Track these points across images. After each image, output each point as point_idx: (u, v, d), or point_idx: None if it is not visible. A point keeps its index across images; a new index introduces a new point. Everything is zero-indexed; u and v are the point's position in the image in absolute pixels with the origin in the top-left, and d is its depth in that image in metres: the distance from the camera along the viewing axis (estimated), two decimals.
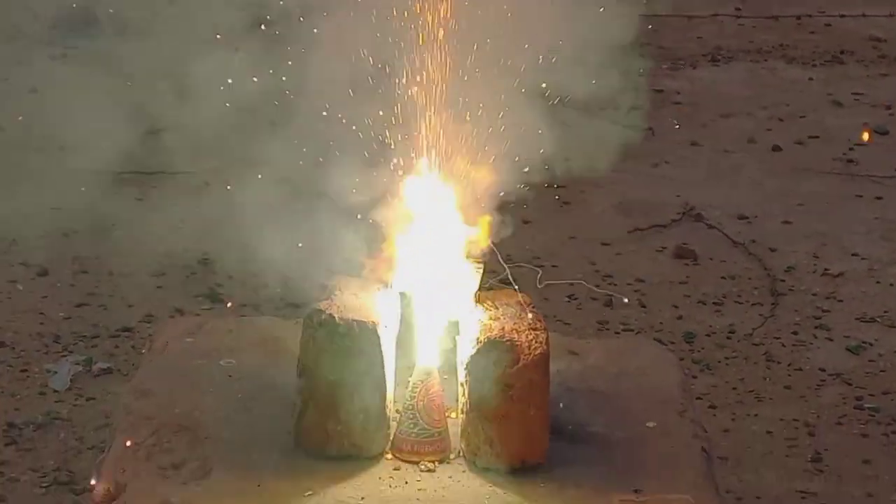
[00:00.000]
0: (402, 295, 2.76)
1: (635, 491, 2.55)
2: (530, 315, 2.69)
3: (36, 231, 5.07)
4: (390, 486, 2.59)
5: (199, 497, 2.45)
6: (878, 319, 5.07)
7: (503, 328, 2.65)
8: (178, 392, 2.78)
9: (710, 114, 7.00)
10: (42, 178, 5.01)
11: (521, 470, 2.62)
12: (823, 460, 4.26)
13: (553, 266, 5.40)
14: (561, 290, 5.20)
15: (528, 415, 2.61)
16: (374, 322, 2.65)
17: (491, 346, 2.61)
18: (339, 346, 2.60)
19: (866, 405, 4.54)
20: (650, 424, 2.76)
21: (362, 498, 2.53)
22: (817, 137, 6.71)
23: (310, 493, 2.53)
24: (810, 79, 7.47)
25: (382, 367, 2.65)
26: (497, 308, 2.72)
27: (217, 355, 2.94)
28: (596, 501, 2.52)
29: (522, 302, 2.74)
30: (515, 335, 2.63)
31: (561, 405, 2.66)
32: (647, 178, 6.25)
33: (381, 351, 2.64)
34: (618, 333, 4.92)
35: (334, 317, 2.62)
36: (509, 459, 2.63)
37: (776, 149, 6.57)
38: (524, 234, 5.66)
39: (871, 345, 4.90)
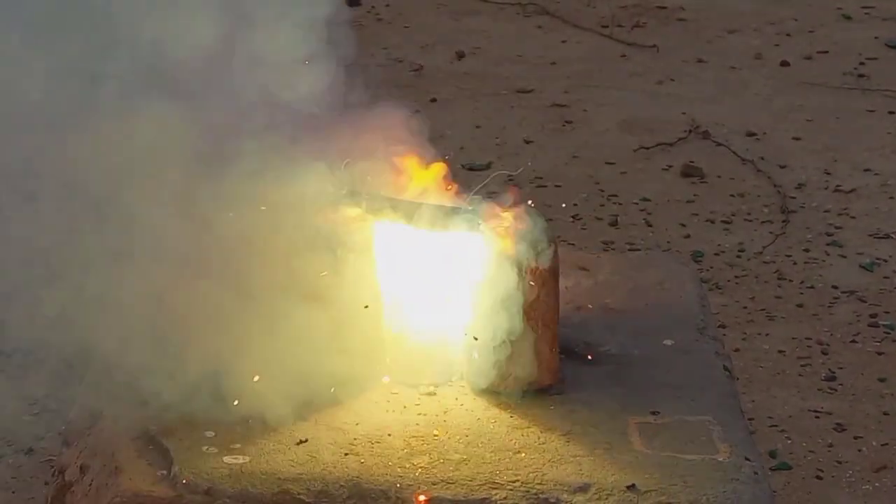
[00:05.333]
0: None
1: (653, 413, 2.42)
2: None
3: None
4: (388, 411, 2.45)
5: (180, 427, 2.31)
6: (892, 235, 4.98)
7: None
8: None
9: (715, 30, 6.86)
10: None
11: (529, 392, 2.48)
12: (837, 379, 4.18)
13: (556, 186, 5.32)
14: (565, 210, 5.11)
15: (536, 333, 2.46)
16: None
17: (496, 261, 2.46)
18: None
19: (881, 322, 4.46)
20: (668, 342, 2.63)
21: (357, 423, 2.39)
22: (826, 52, 6.57)
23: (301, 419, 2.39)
24: None
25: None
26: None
27: None
28: (610, 424, 2.39)
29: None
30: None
31: None
32: (652, 95, 6.15)
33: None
34: (625, 252, 4.81)
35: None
36: (516, 381, 2.49)
37: (784, 64, 6.45)
38: (526, 153, 5.55)
39: (885, 261, 4.81)
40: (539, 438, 2.37)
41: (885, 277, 4.72)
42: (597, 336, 2.63)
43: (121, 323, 2.34)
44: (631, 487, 2.26)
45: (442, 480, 2.27)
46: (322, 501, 2.25)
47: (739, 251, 4.88)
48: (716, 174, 5.42)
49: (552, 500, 2.25)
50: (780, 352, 4.32)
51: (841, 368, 4.23)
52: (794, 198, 5.24)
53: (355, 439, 2.35)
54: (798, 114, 5.96)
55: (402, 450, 2.33)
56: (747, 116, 5.92)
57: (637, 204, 5.20)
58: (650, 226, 5.05)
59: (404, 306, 2.49)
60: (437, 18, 6.93)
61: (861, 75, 6.31)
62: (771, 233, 5.00)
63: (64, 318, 2.44)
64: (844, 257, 4.84)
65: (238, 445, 2.32)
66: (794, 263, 4.80)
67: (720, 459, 2.32)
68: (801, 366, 4.25)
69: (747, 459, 2.32)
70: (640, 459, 2.31)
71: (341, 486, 2.26)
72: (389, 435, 2.37)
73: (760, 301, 4.58)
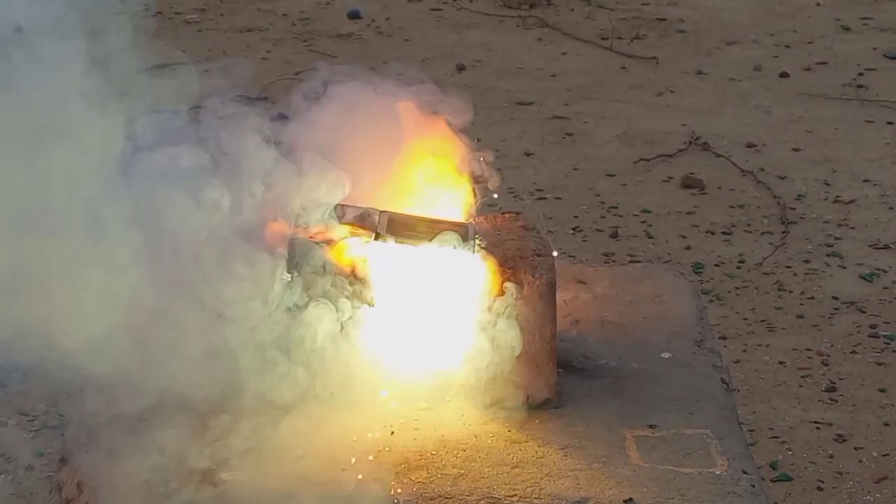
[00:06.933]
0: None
1: (650, 426, 2.41)
2: (535, 239, 2.53)
3: None
4: (385, 427, 2.43)
5: (177, 442, 2.30)
6: (891, 246, 4.97)
7: (505, 254, 2.49)
8: None
9: (715, 41, 6.87)
10: None
11: (527, 406, 2.47)
12: (838, 390, 4.17)
13: (557, 198, 5.31)
14: (565, 222, 5.10)
15: (533, 347, 2.46)
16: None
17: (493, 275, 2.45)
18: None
19: (881, 333, 4.45)
20: (665, 355, 2.62)
21: (355, 439, 2.38)
22: (825, 63, 6.58)
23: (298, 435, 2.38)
24: (818, 4, 7.33)
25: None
26: (498, 233, 2.57)
27: None
28: (608, 438, 2.38)
29: (526, 226, 2.58)
30: (519, 261, 2.47)
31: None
32: (652, 107, 6.14)
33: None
34: (624, 265, 4.80)
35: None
36: (514, 395, 2.48)
37: (784, 75, 6.46)
38: (527, 165, 5.55)
39: (884, 272, 4.81)
40: (537, 453, 2.36)
41: (885, 288, 4.71)
42: (594, 349, 2.62)
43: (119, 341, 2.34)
44: (628, 501, 2.25)
45: (439, 495, 2.26)
46: None
47: (739, 262, 4.87)
48: (716, 185, 5.42)
49: None
50: (780, 363, 4.31)
51: (841, 379, 4.22)
52: (793, 209, 5.24)
53: (353, 455, 2.35)
54: (797, 125, 5.95)
55: (400, 465, 2.32)
56: (747, 128, 5.92)
57: (637, 216, 5.19)
58: (650, 237, 5.05)
59: (400, 321, 2.48)
60: (437, 31, 6.94)
61: (860, 86, 6.31)
62: (771, 244, 4.99)
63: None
64: (844, 268, 4.84)
65: (235, 461, 2.31)
66: (794, 274, 4.79)
67: (718, 473, 2.31)
68: (802, 377, 4.24)
69: (745, 472, 2.31)
70: (637, 473, 2.30)
71: (338, 502, 2.26)
72: (387, 450, 2.36)
73: (761, 312, 4.57)
